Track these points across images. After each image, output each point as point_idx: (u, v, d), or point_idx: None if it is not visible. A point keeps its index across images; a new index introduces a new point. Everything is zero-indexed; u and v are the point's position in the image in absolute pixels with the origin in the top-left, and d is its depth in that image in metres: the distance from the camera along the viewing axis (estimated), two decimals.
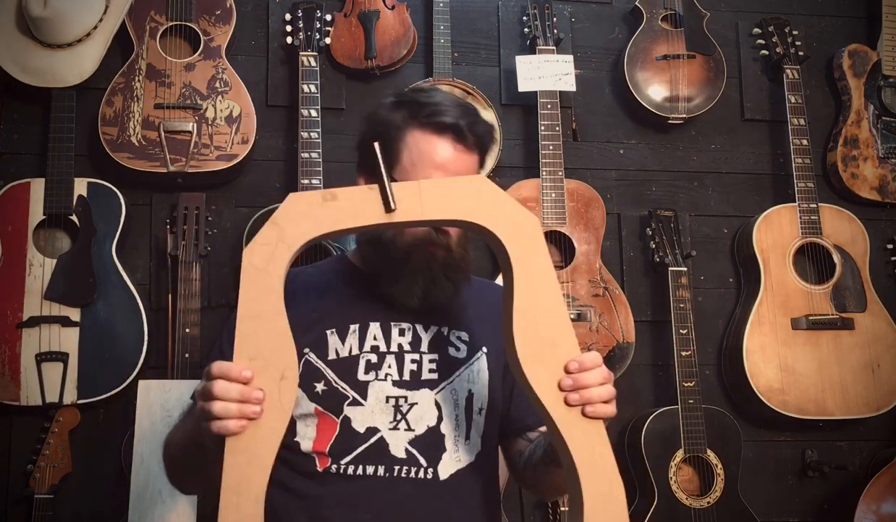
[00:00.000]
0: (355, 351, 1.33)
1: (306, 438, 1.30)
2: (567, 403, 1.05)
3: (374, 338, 1.34)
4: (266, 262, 1.02)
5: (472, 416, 1.35)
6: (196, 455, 1.19)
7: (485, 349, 1.39)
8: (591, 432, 1.05)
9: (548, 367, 1.05)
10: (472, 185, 1.09)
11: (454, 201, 1.07)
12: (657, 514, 2.30)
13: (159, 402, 2.14)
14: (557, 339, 1.06)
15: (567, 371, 1.06)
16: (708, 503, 2.33)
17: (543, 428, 1.40)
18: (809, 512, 2.60)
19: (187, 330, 2.22)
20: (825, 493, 2.61)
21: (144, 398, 2.15)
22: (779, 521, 2.57)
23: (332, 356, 1.32)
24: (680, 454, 2.34)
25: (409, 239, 1.31)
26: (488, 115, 2.54)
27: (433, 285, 1.32)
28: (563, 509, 2.31)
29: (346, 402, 1.30)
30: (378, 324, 1.35)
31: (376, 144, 1.07)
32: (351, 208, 1.05)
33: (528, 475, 1.40)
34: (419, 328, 1.36)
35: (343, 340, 1.33)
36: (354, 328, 1.34)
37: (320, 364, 1.31)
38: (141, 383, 2.17)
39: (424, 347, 1.35)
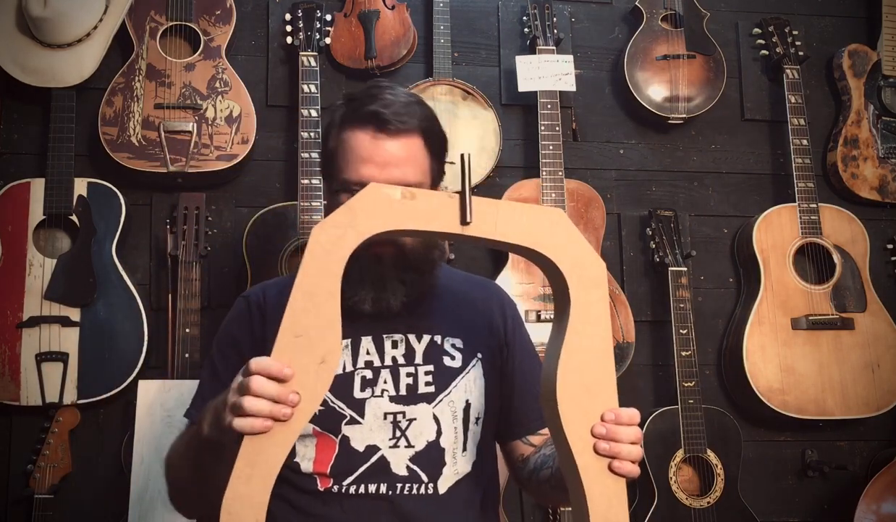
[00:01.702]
0: (349, 368, 1.30)
1: (306, 459, 1.28)
2: (596, 451, 1.01)
3: (368, 353, 1.31)
4: (332, 243, 1.00)
5: (468, 426, 1.33)
6: (201, 463, 1.16)
7: (480, 355, 1.36)
8: (612, 488, 1.02)
9: (584, 413, 1.02)
10: (549, 217, 1.08)
11: (528, 228, 1.06)
12: (657, 514, 2.30)
13: (159, 402, 2.14)
14: (598, 388, 1.04)
15: (602, 420, 1.02)
16: (708, 503, 2.33)
17: (545, 432, 1.39)
18: (809, 512, 2.60)
19: (187, 330, 2.22)
20: (825, 493, 2.61)
21: (144, 398, 2.15)
22: (779, 521, 2.57)
23: None
24: (680, 454, 2.34)
25: None
26: (487, 114, 2.54)
27: (383, 289, 1.28)
28: (563, 509, 2.31)
29: (344, 421, 1.27)
30: (370, 338, 1.32)
31: (468, 153, 1.05)
32: (427, 211, 1.03)
33: (533, 487, 1.37)
34: (412, 338, 1.33)
35: None
36: (346, 343, 1.30)
37: None
38: (141, 383, 2.17)
39: (419, 358, 1.32)
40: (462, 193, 1.03)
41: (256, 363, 0.98)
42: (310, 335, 0.98)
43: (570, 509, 2.27)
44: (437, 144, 1.34)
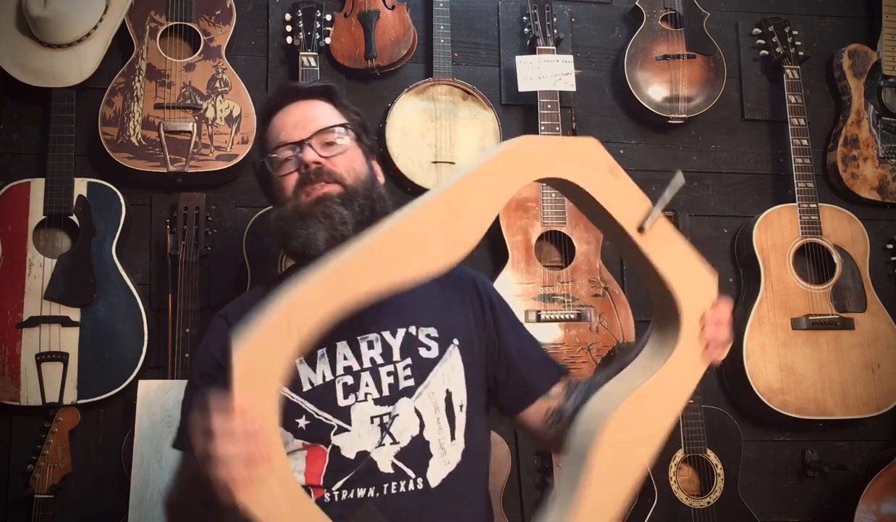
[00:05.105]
0: (329, 377, 1.28)
1: (297, 471, 1.25)
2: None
3: (345, 358, 1.29)
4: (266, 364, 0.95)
5: (454, 415, 1.31)
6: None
7: (456, 342, 1.34)
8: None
9: (620, 460, 0.99)
10: (707, 279, 1.08)
11: (681, 272, 1.07)
12: (657, 514, 2.30)
13: (159, 402, 2.14)
14: (648, 439, 1.01)
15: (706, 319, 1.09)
16: (708, 503, 2.33)
17: (554, 391, 1.37)
18: (809, 512, 2.60)
19: (187, 330, 2.22)
20: (825, 493, 2.61)
21: (144, 398, 2.15)
22: (779, 521, 2.57)
23: (306, 387, 1.27)
24: (680, 455, 2.34)
25: (289, 196, 1.30)
26: (487, 114, 2.54)
27: (331, 222, 1.27)
28: None
29: (332, 431, 1.25)
30: (345, 342, 1.30)
31: (679, 174, 1.10)
32: (621, 194, 1.07)
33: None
34: (386, 335, 1.32)
35: (313, 367, 1.28)
36: (322, 352, 1.28)
37: (297, 398, 1.26)
38: (141, 383, 2.17)
39: (396, 355, 1.30)
40: (658, 206, 1.07)
41: (219, 418, 0.94)
42: None
43: None
44: (350, 109, 1.41)
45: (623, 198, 1.04)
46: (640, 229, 1.02)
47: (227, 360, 1.29)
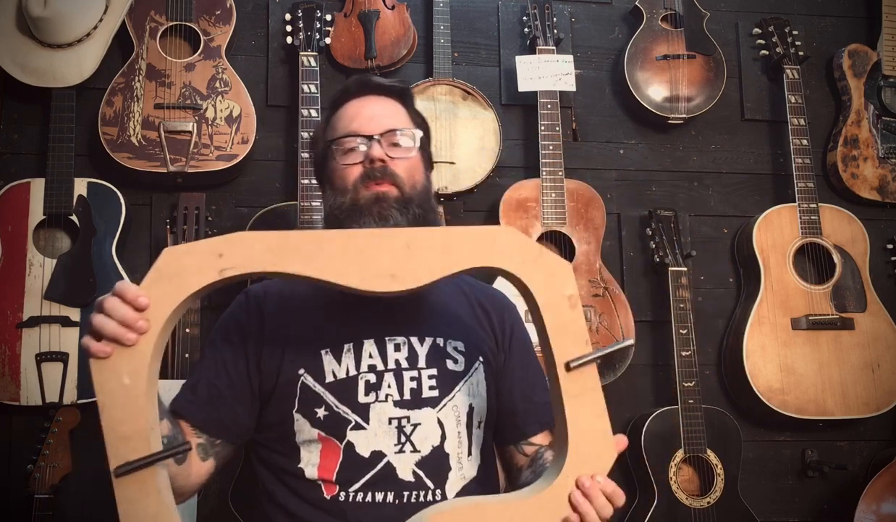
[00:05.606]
0: (353, 372, 1.28)
1: (310, 464, 1.26)
2: (570, 501, 1.06)
3: (370, 356, 1.30)
4: (132, 375, 1.03)
5: (472, 431, 1.32)
6: None
7: (481, 359, 1.36)
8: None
9: None
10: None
11: (589, 408, 1.09)
12: (657, 514, 2.30)
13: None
14: None
15: (580, 485, 1.06)
16: (708, 503, 2.33)
17: (539, 439, 1.40)
18: (809, 512, 2.60)
19: (187, 330, 2.22)
20: (825, 493, 2.61)
21: None
22: (779, 521, 2.57)
23: (329, 378, 1.28)
24: (680, 455, 2.34)
25: (348, 188, 1.31)
26: (487, 114, 2.54)
27: (385, 224, 1.29)
28: None
29: (349, 426, 1.26)
30: (372, 341, 1.31)
31: (630, 340, 1.14)
32: None
33: None
34: (414, 341, 1.32)
35: (339, 360, 1.29)
36: (349, 346, 1.30)
37: (319, 388, 1.27)
38: None
39: (422, 362, 1.31)
40: (592, 353, 1.07)
41: (119, 284, 1.04)
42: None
43: None
44: (419, 116, 1.43)
45: (567, 330, 1.05)
46: (567, 367, 1.04)
47: (250, 328, 1.32)
